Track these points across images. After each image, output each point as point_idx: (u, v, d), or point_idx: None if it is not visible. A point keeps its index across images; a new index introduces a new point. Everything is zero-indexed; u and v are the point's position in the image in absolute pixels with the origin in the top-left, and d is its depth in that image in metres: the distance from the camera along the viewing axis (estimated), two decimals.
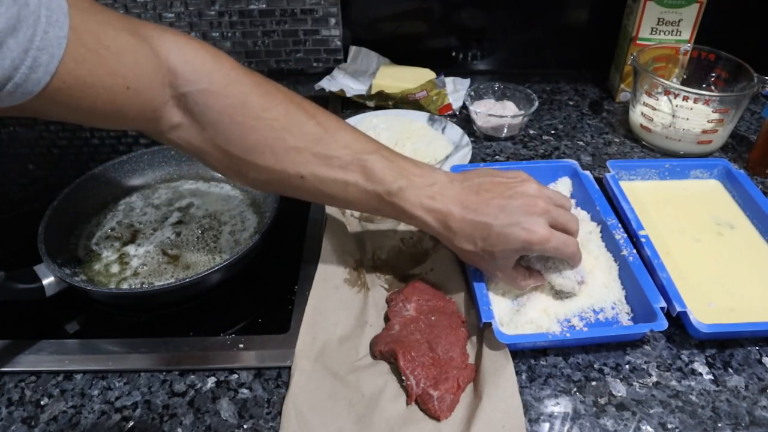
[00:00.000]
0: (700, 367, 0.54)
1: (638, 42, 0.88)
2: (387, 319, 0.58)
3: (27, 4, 0.34)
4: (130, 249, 0.66)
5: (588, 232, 0.65)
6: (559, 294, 0.59)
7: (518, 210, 0.51)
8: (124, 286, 0.61)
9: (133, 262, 0.64)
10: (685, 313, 0.55)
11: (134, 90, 0.43)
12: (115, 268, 0.63)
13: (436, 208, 0.52)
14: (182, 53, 0.47)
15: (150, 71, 0.44)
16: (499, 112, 0.86)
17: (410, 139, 0.82)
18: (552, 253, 0.53)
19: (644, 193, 0.73)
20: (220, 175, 0.75)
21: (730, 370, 0.54)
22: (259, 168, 0.51)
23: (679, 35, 0.87)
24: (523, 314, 0.57)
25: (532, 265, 0.57)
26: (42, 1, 0.35)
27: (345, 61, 1.03)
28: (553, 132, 0.90)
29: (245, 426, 0.50)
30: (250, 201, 0.72)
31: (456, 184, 0.54)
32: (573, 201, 0.71)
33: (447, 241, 0.54)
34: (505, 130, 0.86)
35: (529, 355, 0.55)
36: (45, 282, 0.55)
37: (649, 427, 0.49)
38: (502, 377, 0.50)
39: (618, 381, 0.53)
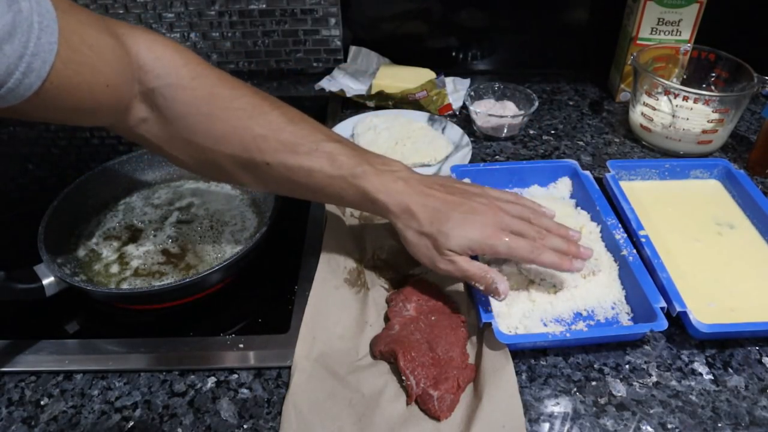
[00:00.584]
0: (700, 367, 0.54)
1: (638, 42, 0.88)
2: (387, 319, 0.58)
3: (21, 11, 0.35)
4: (130, 249, 0.65)
5: (588, 232, 0.65)
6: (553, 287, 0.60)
7: (478, 206, 0.54)
8: (124, 286, 0.61)
9: (133, 262, 0.64)
10: (685, 313, 0.55)
11: (112, 87, 0.44)
12: (115, 268, 0.63)
13: (398, 191, 0.54)
14: (152, 50, 0.48)
15: (124, 67, 0.46)
16: (499, 112, 0.86)
17: (410, 139, 0.82)
18: (505, 253, 0.53)
19: (644, 193, 0.73)
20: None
21: (730, 370, 0.54)
22: (226, 157, 0.52)
23: (679, 35, 0.87)
24: (521, 311, 0.57)
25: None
26: (34, 7, 0.36)
27: (345, 61, 1.03)
28: (553, 132, 0.90)
29: (245, 426, 0.50)
30: (251, 201, 0.72)
31: (416, 175, 0.56)
32: (573, 201, 0.72)
33: (403, 223, 0.54)
34: (505, 130, 0.86)
35: (529, 355, 0.55)
36: (45, 282, 0.55)
37: (649, 427, 0.49)
38: (502, 377, 0.50)
39: (618, 381, 0.53)
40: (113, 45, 0.44)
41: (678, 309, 0.55)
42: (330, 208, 0.69)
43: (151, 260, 0.64)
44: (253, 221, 0.69)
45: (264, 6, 0.98)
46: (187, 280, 0.56)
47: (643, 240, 0.63)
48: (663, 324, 0.53)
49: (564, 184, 0.73)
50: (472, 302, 0.57)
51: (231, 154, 0.52)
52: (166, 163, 0.76)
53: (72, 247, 0.65)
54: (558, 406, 0.51)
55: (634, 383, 0.53)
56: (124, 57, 0.46)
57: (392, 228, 0.67)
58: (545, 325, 0.57)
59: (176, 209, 0.71)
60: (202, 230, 0.68)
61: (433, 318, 0.55)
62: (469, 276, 0.53)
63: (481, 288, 0.53)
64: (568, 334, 0.53)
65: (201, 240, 0.67)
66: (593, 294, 0.59)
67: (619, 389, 0.52)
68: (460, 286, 0.59)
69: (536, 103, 0.86)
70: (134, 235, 0.68)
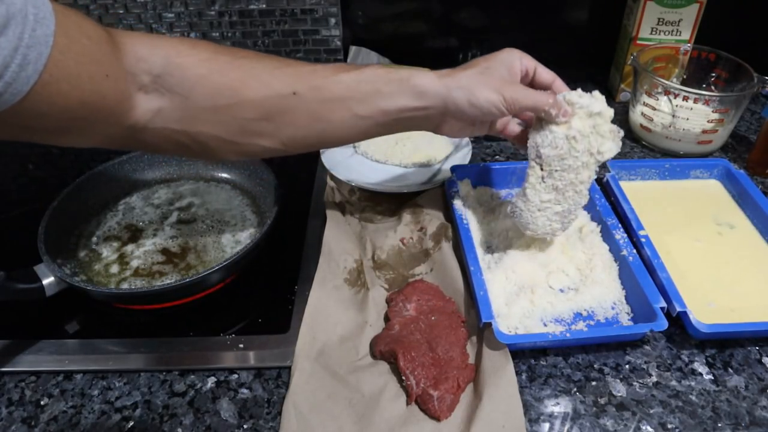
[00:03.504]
0: (700, 367, 0.54)
1: (638, 42, 0.88)
2: (387, 319, 0.58)
3: (14, 3, 0.35)
4: (130, 249, 0.65)
5: (588, 232, 0.65)
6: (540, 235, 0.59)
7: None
8: (124, 286, 0.61)
9: (133, 262, 0.64)
10: (685, 313, 0.55)
11: (113, 77, 0.44)
12: (115, 268, 0.63)
13: (428, 74, 0.53)
14: (146, 42, 0.48)
15: (120, 59, 0.46)
16: None
17: (410, 139, 0.82)
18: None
19: (644, 193, 0.73)
20: (219, 174, 0.76)
21: (730, 370, 0.54)
22: (252, 103, 0.51)
23: (679, 35, 0.87)
24: (521, 309, 0.57)
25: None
26: None
27: (345, 61, 1.03)
28: None
29: (245, 426, 0.50)
30: (250, 201, 0.72)
31: None
32: None
33: (454, 80, 0.53)
34: None
35: (529, 355, 0.55)
36: (45, 282, 0.55)
37: (649, 427, 0.49)
38: (502, 377, 0.50)
39: (618, 381, 0.53)
40: (108, 38, 0.45)
41: (678, 309, 0.55)
42: (330, 207, 0.69)
43: (151, 260, 0.64)
44: (253, 221, 0.69)
45: (264, 6, 0.98)
46: (188, 280, 0.56)
47: (643, 240, 0.63)
48: (663, 324, 0.53)
49: None
50: (472, 302, 0.57)
51: (254, 98, 0.50)
52: (167, 162, 0.76)
53: (72, 247, 0.65)
54: (558, 406, 0.51)
55: (634, 383, 0.53)
56: (119, 49, 0.46)
57: (392, 228, 0.67)
58: (545, 325, 0.57)
59: (176, 209, 0.71)
60: (202, 230, 0.68)
61: (433, 318, 0.55)
62: (540, 98, 0.54)
63: (553, 112, 0.53)
64: (568, 334, 0.53)
65: (201, 240, 0.67)
66: (593, 294, 0.59)
67: (619, 389, 0.52)
68: (461, 286, 0.59)
69: None
70: (134, 235, 0.68)
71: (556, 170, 0.55)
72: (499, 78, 0.54)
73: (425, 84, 0.52)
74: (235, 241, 0.66)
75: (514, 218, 0.58)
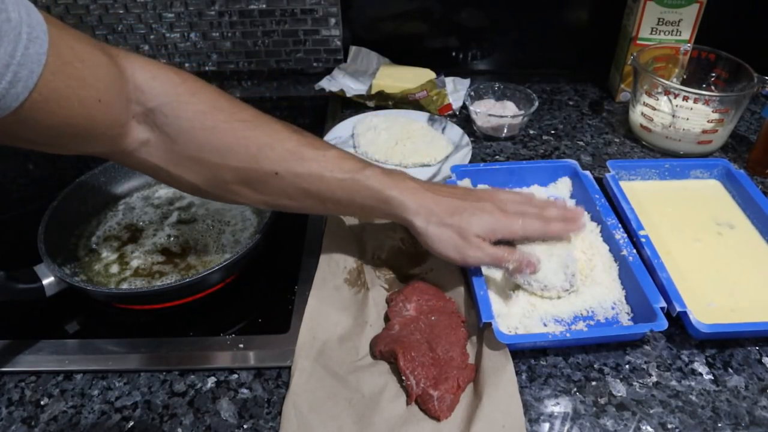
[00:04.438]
0: (700, 367, 0.54)
1: (638, 42, 0.88)
2: (387, 319, 0.58)
3: (9, 20, 0.35)
4: (130, 249, 0.65)
5: (588, 232, 0.65)
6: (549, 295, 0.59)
7: (482, 197, 0.57)
8: (124, 286, 0.61)
9: (133, 262, 0.64)
10: (685, 313, 0.55)
11: (105, 103, 0.44)
12: (114, 268, 0.63)
13: (409, 188, 0.55)
14: (147, 70, 0.48)
15: (118, 85, 0.46)
16: (499, 112, 0.86)
17: (410, 139, 0.82)
18: (520, 231, 0.56)
19: (644, 193, 0.73)
20: None
21: (730, 370, 0.54)
22: (234, 171, 0.52)
23: (679, 35, 0.87)
24: (521, 311, 0.57)
25: (514, 280, 0.58)
26: (23, 17, 0.36)
27: (345, 61, 1.03)
28: (553, 132, 0.90)
29: (245, 426, 0.50)
30: None
31: (418, 179, 0.57)
32: (573, 201, 0.72)
33: (423, 219, 0.54)
34: (505, 130, 0.86)
35: (529, 355, 0.55)
36: (45, 282, 0.55)
37: (649, 427, 0.49)
38: (502, 377, 0.50)
39: (618, 381, 0.53)
40: (106, 62, 0.44)
41: (678, 309, 0.55)
42: None
43: (151, 260, 0.64)
44: (253, 221, 0.69)
45: (264, 6, 0.98)
46: (188, 280, 0.56)
47: (643, 240, 0.63)
48: (663, 324, 0.53)
49: (564, 184, 0.73)
50: (472, 302, 0.57)
51: (238, 166, 0.51)
52: None
53: (72, 247, 0.65)
54: (558, 406, 0.51)
55: (634, 383, 0.53)
56: (118, 75, 0.46)
57: (392, 228, 0.67)
58: (545, 325, 0.57)
59: (176, 209, 0.71)
60: (202, 230, 0.68)
61: (433, 318, 0.55)
62: (498, 258, 0.55)
63: (512, 267, 0.55)
64: (568, 334, 0.53)
65: (201, 240, 0.67)
66: (593, 294, 0.59)
67: (619, 389, 0.52)
68: (461, 286, 0.59)
69: (536, 103, 0.86)
70: (134, 235, 0.68)
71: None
72: (471, 237, 0.54)
73: (402, 215, 0.54)
74: (236, 240, 0.66)
75: (514, 277, 0.58)
